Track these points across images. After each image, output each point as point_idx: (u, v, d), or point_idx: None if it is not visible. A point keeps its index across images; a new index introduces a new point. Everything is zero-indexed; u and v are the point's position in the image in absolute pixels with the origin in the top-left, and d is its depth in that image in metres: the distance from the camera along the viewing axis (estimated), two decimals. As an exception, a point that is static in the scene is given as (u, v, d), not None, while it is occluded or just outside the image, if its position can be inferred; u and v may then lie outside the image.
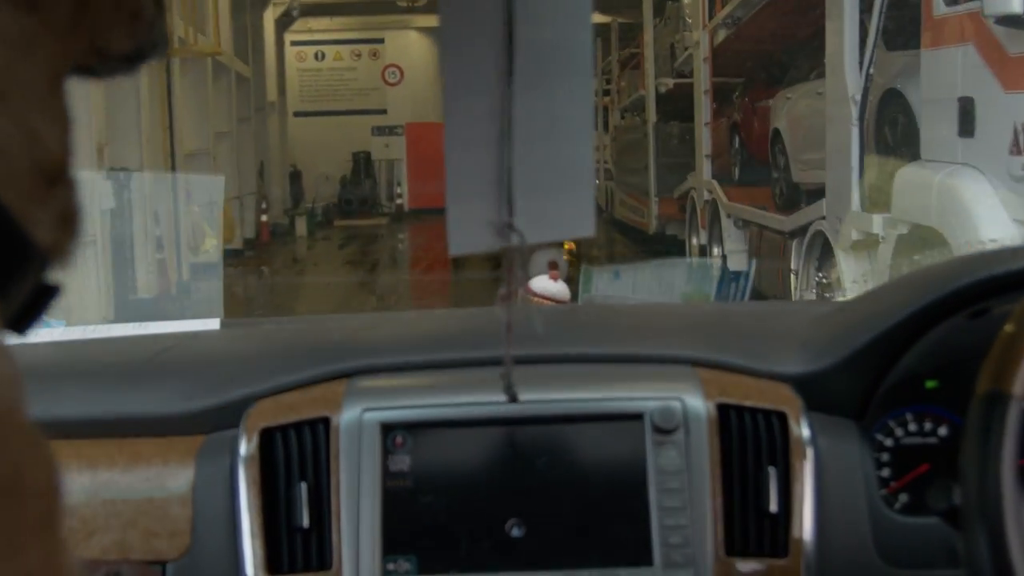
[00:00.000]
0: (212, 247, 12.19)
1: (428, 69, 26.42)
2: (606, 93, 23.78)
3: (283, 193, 22.69)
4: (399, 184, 25.58)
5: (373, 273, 15.55)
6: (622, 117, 19.59)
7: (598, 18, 22.19)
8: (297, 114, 25.34)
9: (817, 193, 7.54)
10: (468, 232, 0.77)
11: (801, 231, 7.25)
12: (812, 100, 7.90)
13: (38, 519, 0.38)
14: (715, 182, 10.26)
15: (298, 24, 24.41)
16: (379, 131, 25.80)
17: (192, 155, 13.39)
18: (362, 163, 24.58)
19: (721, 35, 10.36)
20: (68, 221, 0.46)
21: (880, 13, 5.62)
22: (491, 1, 0.72)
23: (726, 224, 9.73)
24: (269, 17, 21.90)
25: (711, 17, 10.58)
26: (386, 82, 26.24)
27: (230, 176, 15.50)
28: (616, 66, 19.89)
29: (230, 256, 15.14)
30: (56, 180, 0.45)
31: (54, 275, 0.46)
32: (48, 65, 0.44)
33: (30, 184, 0.43)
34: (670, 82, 13.86)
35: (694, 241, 11.44)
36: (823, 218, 6.61)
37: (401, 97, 26.03)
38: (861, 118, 5.87)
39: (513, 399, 0.96)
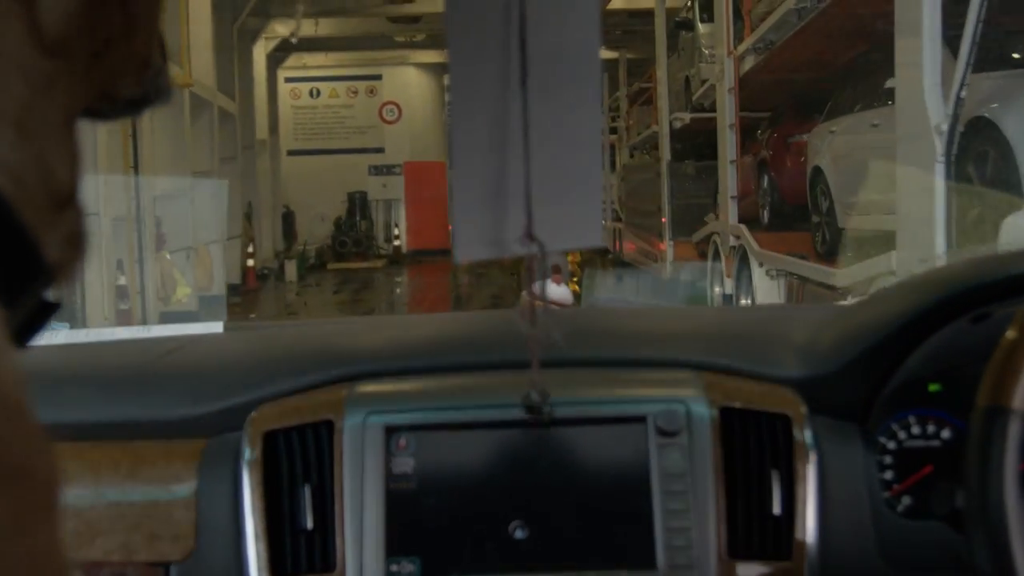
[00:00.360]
0: (186, 296, 11.23)
1: (427, 106, 25.55)
2: (613, 131, 22.85)
3: (274, 235, 21.63)
4: (397, 225, 24.59)
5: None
6: (631, 155, 18.55)
7: (605, 54, 21.28)
8: (291, 153, 24.39)
9: (873, 242, 6.43)
10: (474, 239, 0.74)
11: (861, 287, 6.10)
12: (865, 133, 6.80)
13: (43, 506, 0.41)
14: (743, 227, 9.13)
15: (292, 60, 23.54)
16: (376, 170, 24.94)
17: (166, 196, 12.31)
18: (358, 203, 23.58)
19: (749, 62, 9.28)
20: (74, 242, 0.49)
21: (977, 24, 4.51)
22: (498, 9, 0.70)
23: (758, 274, 8.59)
24: (260, 52, 20.96)
25: (737, 43, 9.49)
26: (384, 120, 25.33)
27: (213, 219, 14.43)
28: (624, 102, 18.86)
29: (210, 304, 14.05)
30: (65, 205, 0.48)
31: (55, 293, 0.49)
32: (64, 105, 0.48)
33: (43, 208, 0.46)
34: (686, 117, 12.80)
35: (717, 290, 10.31)
36: (893, 273, 5.47)
37: (399, 135, 25.15)
38: (948, 153, 4.75)
39: (544, 421, 0.89)
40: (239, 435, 1.20)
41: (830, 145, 7.55)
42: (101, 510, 1.18)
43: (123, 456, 1.22)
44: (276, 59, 22.82)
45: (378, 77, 25.36)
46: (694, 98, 12.90)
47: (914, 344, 1.19)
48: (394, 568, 1.13)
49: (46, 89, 0.46)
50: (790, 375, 1.25)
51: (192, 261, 12.35)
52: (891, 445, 1.20)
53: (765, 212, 9.67)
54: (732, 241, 9.38)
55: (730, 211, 9.57)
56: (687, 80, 13.43)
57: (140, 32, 0.53)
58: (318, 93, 25.22)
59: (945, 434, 1.20)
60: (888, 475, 1.20)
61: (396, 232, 24.42)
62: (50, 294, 0.48)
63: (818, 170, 7.77)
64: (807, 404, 1.20)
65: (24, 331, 0.47)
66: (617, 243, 18.66)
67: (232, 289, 15.59)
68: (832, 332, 1.30)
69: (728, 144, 9.61)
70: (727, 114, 9.58)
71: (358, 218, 23.35)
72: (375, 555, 1.13)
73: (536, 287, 0.83)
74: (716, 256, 10.26)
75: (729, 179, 9.58)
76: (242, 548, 1.15)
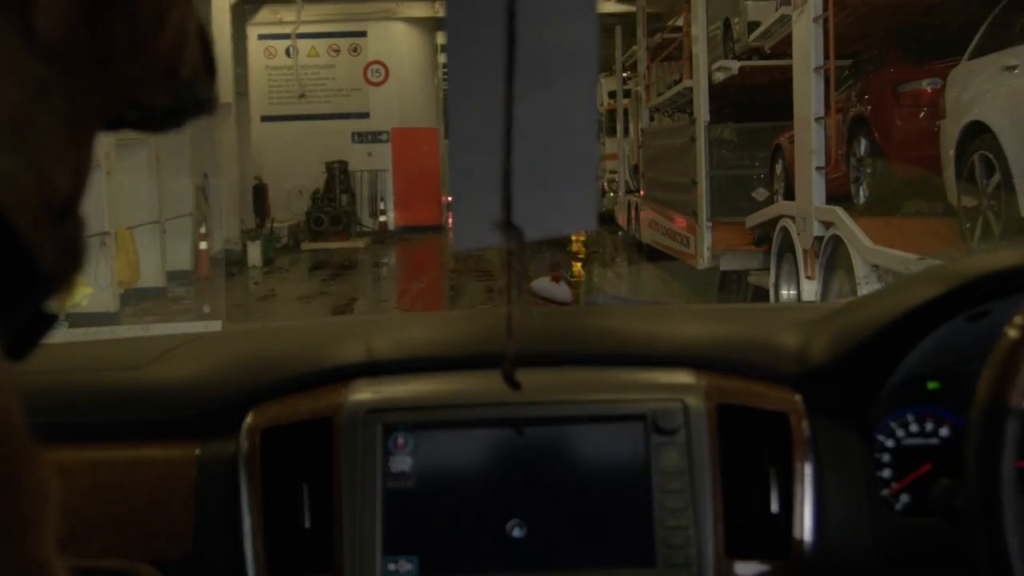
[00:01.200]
0: (86, 297, 8.75)
1: (417, 66, 22.91)
2: (627, 94, 20.26)
3: (242, 212, 18.99)
4: (383, 199, 21.99)
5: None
6: (651, 118, 15.92)
7: (620, 7, 18.62)
8: (265, 119, 21.70)
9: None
10: (472, 228, 0.73)
11: None
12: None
13: (34, 518, 0.40)
14: (839, 210, 6.53)
15: (265, 14, 20.84)
16: (360, 137, 22.37)
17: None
18: (337, 175, 20.87)
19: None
20: (73, 254, 0.49)
21: None
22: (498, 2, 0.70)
23: (863, 274, 6.01)
24: (223, 1, 18.24)
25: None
26: (369, 81, 22.67)
27: (143, 197, 11.86)
28: (644, 58, 16.14)
29: (146, 298, 11.49)
30: (64, 215, 0.48)
31: (52, 305, 0.48)
32: (67, 111, 0.47)
33: (39, 216, 0.45)
34: (733, 66, 10.18)
35: (787, 292, 7.74)
36: None
37: (386, 98, 22.49)
38: None
39: (513, 385, 0.86)
40: (237, 434, 1.20)
41: (1005, 89, 4.93)
42: (99, 508, 1.18)
43: (121, 455, 1.22)
44: (244, 12, 20.10)
45: (362, 34, 22.63)
46: (736, 46, 10.36)
47: (912, 341, 1.19)
48: (392, 567, 1.13)
49: (42, 95, 0.45)
50: (788, 373, 1.24)
51: (108, 249, 9.76)
52: (889, 443, 1.20)
53: (861, 189, 7.08)
54: (818, 230, 6.79)
55: (815, 187, 6.96)
56: (726, 25, 10.86)
57: (160, 39, 0.51)
58: (295, 52, 22.53)
59: (944, 432, 1.20)
60: (886, 473, 1.20)
61: (382, 207, 21.83)
62: (47, 305, 0.46)
63: (977, 128, 5.17)
64: (805, 402, 1.20)
65: (19, 343, 0.45)
66: (632, 219, 16.19)
67: (175, 278, 12.98)
68: (831, 330, 1.29)
69: (813, 95, 6.96)
70: (812, 55, 6.93)
71: (338, 191, 20.60)
72: (373, 554, 1.13)
73: (521, 273, 0.80)
74: (786, 248, 7.68)
75: (815, 143, 6.94)
76: (240, 547, 1.15)
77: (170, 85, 0.53)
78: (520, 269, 0.72)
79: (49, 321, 0.47)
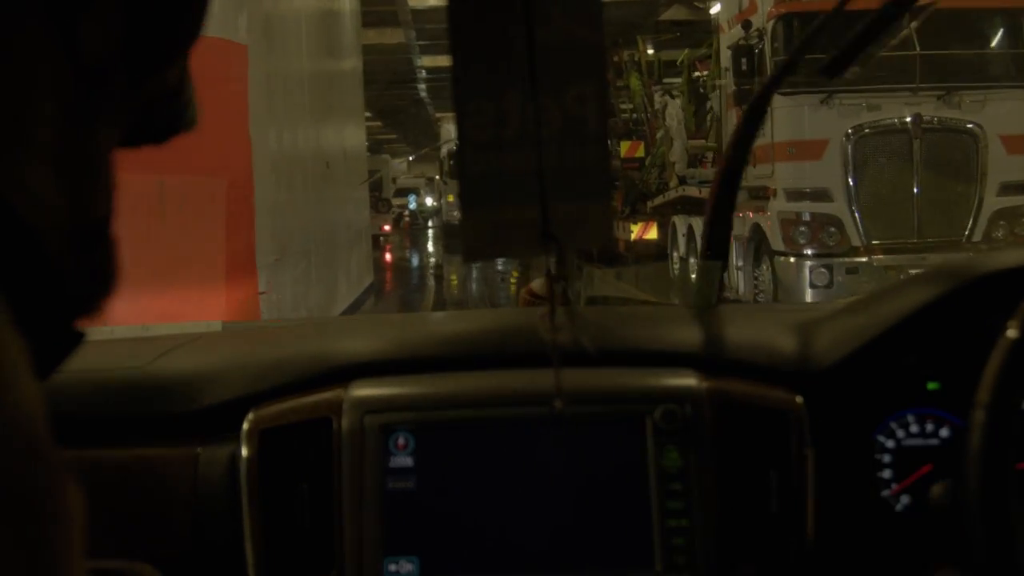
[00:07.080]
0: None
1: None
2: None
3: None
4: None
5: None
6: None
7: None
8: None
9: None
10: (484, 238, 0.75)
11: None
12: None
13: (66, 545, 0.41)
14: None
15: None
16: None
17: None
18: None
19: None
20: (104, 276, 0.49)
21: None
22: (503, 5, 0.72)
23: None
24: None
25: None
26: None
27: None
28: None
29: None
30: (95, 238, 0.48)
31: (80, 325, 0.49)
32: (101, 136, 0.48)
33: (71, 240, 0.46)
34: None
35: None
36: None
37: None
38: None
39: (556, 414, 0.99)
40: (237, 434, 1.19)
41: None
42: (99, 510, 1.09)
43: (121, 455, 1.21)
44: None
45: None
46: None
47: (912, 341, 1.21)
48: (392, 568, 1.13)
49: (84, 119, 0.45)
50: (789, 373, 1.23)
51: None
52: (890, 444, 1.21)
53: None
54: None
55: None
56: None
57: (178, 60, 0.52)
58: None
59: (944, 433, 1.21)
60: (887, 474, 1.20)
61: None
62: (75, 326, 0.47)
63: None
64: (805, 403, 1.19)
65: (46, 363, 0.46)
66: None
67: None
68: (832, 330, 1.29)
69: None
70: None
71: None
72: (374, 554, 1.13)
73: (561, 291, 0.77)
74: None
75: None
76: (240, 547, 1.14)
77: (172, 104, 0.52)
78: (563, 284, 0.68)
79: (76, 342, 0.47)
